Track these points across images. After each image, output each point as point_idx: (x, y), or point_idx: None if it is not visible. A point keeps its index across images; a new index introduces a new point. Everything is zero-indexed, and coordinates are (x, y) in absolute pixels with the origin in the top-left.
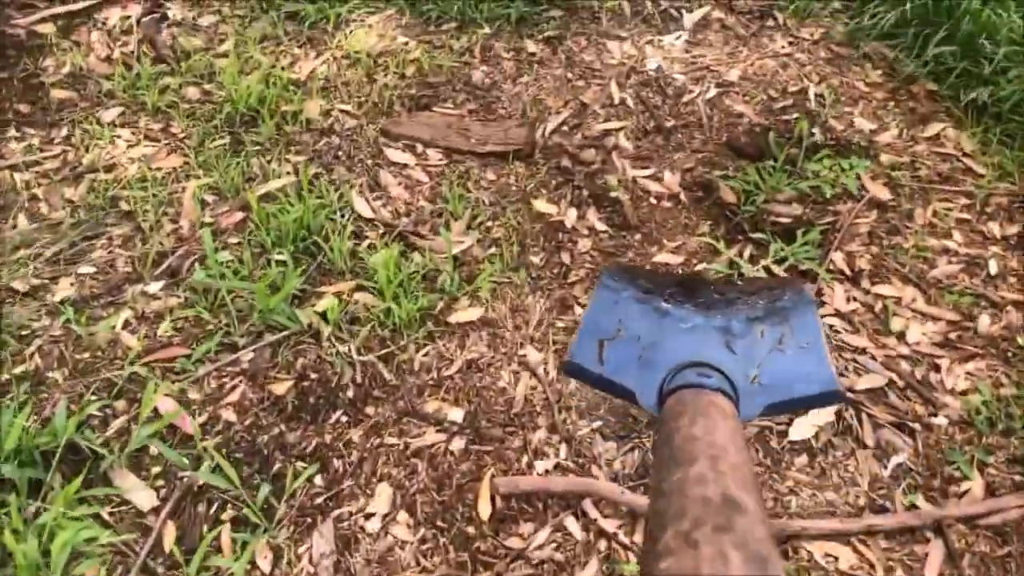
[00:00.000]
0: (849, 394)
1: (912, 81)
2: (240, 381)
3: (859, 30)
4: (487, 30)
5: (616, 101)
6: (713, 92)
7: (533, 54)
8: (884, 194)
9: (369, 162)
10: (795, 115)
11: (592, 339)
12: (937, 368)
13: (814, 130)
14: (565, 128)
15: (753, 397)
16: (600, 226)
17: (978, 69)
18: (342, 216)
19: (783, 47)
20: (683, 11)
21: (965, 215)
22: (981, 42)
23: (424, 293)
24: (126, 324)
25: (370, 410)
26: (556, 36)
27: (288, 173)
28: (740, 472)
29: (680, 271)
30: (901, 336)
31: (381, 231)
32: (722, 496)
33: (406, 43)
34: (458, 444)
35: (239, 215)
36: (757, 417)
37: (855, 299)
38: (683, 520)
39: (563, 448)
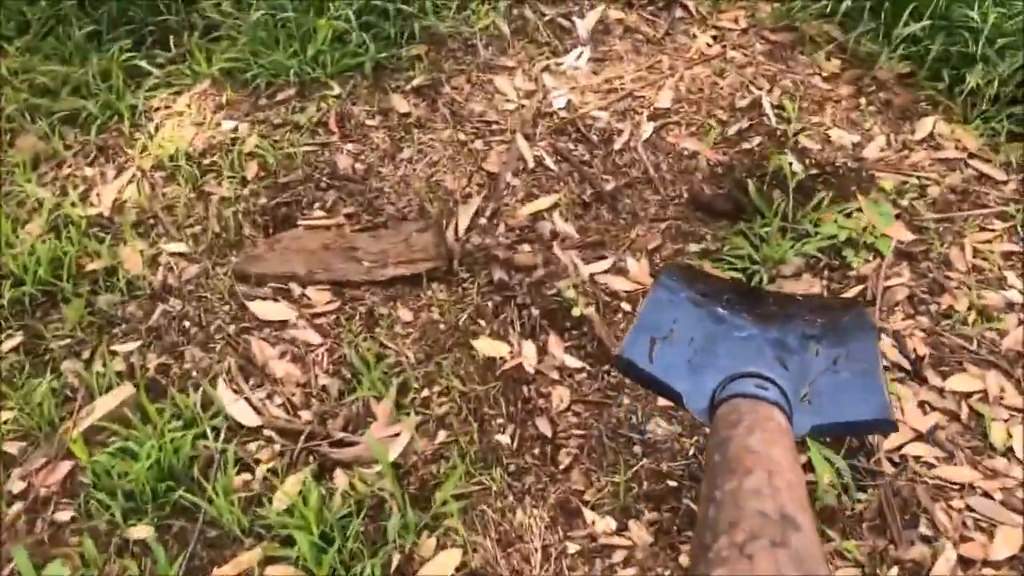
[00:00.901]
0: (984, 571)
1: (876, 65)
2: None
3: (792, 9)
4: (338, 91)
5: (531, 164)
6: (648, 130)
7: (407, 114)
8: (904, 235)
9: (231, 329)
10: (757, 140)
11: (645, 335)
12: None
13: (790, 159)
14: (482, 220)
15: (801, 415)
16: (572, 362)
17: (961, 46)
18: (216, 436)
19: (708, 45)
20: (574, 18)
21: (1011, 245)
22: (964, 13)
23: (367, 545)
24: None
25: None
26: (429, 83)
27: (119, 377)
28: (796, 491)
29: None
30: (1010, 452)
31: (278, 447)
32: (779, 513)
33: (235, 129)
34: None
35: (64, 468)
36: (803, 436)
37: (931, 407)
38: (737, 531)
39: None
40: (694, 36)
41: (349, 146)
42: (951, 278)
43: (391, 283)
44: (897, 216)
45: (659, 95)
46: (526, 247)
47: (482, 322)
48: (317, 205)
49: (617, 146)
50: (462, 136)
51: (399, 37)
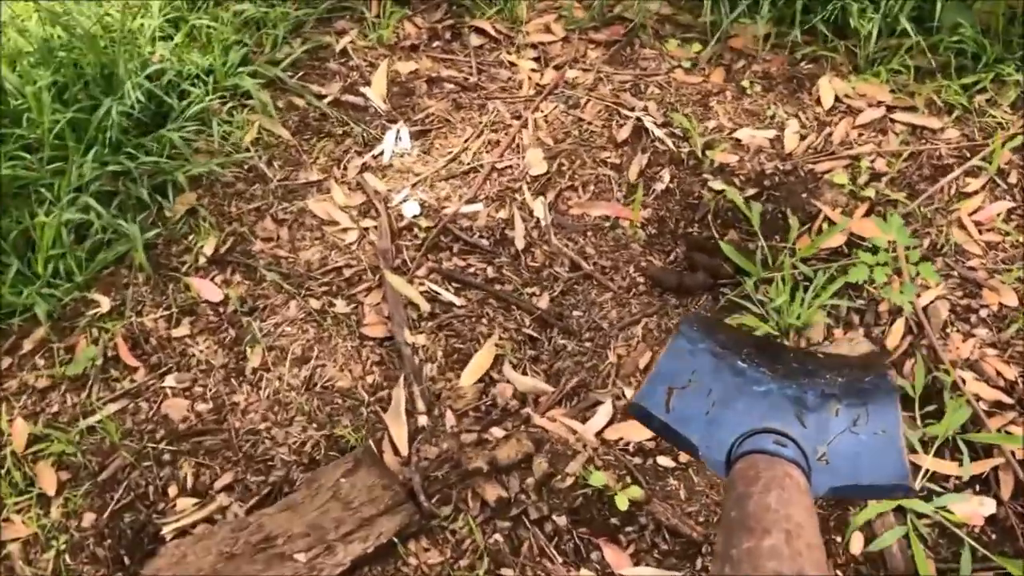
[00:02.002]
0: None
1: (729, 36)
2: None
3: None
4: (108, 304)
5: (425, 307)
6: (542, 210)
7: (222, 302)
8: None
9: None
10: (668, 176)
11: (662, 385)
12: None
13: (710, 181)
14: (421, 420)
15: (819, 476)
16: (649, 572)
17: None
18: None
19: (535, 71)
20: (361, 90)
21: (1004, 202)
22: None
23: None
24: None
25: None
26: (228, 246)
27: None
28: (815, 553)
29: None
30: None
31: None
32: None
33: None
34: None
35: None
36: (820, 498)
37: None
38: None
39: None
40: (512, 64)
41: (169, 381)
42: (976, 268)
43: (353, 571)
44: (869, 210)
45: (525, 158)
46: (497, 431)
47: (508, 573)
48: (173, 493)
49: (520, 243)
50: (314, 303)
51: (158, 211)
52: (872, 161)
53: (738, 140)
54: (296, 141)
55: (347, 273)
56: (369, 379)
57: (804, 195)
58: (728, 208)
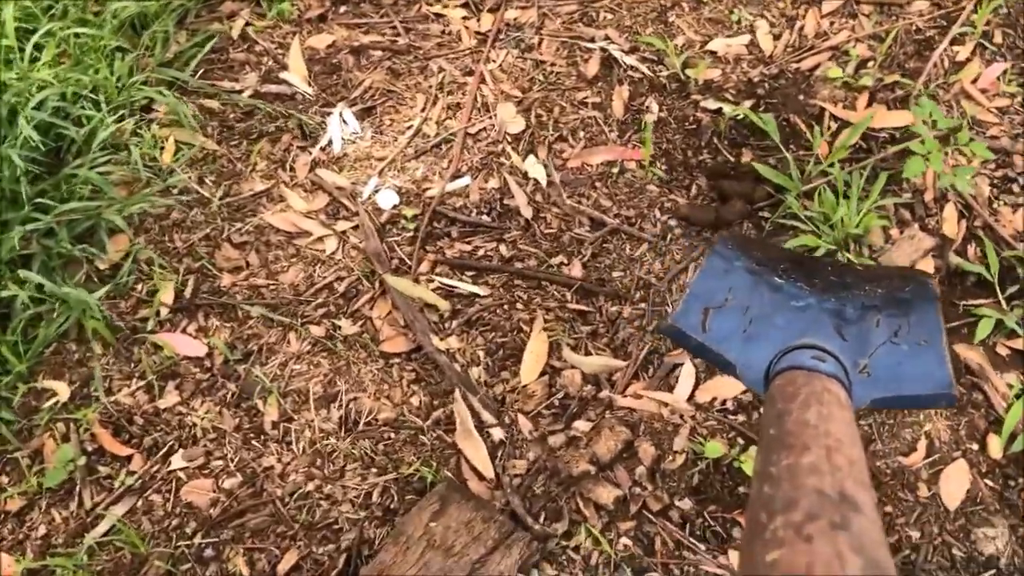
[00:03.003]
0: None
1: None
2: None
3: None
4: (67, 391)
5: (446, 309)
6: (540, 170)
7: (204, 356)
8: (908, 117)
9: None
10: (653, 103)
11: (698, 305)
12: None
13: (702, 101)
14: (498, 434)
15: (861, 388)
16: None
17: None
18: None
19: (465, 17)
20: (263, 58)
21: (999, 64)
22: None
23: None
24: None
25: None
26: (186, 291)
27: None
28: (856, 468)
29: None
30: None
31: None
32: (839, 492)
33: None
34: None
35: None
36: (862, 409)
37: None
38: (794, 511)
39: None
40: (439, 16)
41: (177, 462)
42: (998, 137)
43: None
44: (870, 99)
45: (499, 116)
46: (581, 424)
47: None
48: None
49: (526, 212)
50: (316, 330)
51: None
52: (853, 47)
53: (714, 53)
54: (225, 149)
55: (341, 287)
56: (414, 401)
57: (800, 97)
58: (731, 127)
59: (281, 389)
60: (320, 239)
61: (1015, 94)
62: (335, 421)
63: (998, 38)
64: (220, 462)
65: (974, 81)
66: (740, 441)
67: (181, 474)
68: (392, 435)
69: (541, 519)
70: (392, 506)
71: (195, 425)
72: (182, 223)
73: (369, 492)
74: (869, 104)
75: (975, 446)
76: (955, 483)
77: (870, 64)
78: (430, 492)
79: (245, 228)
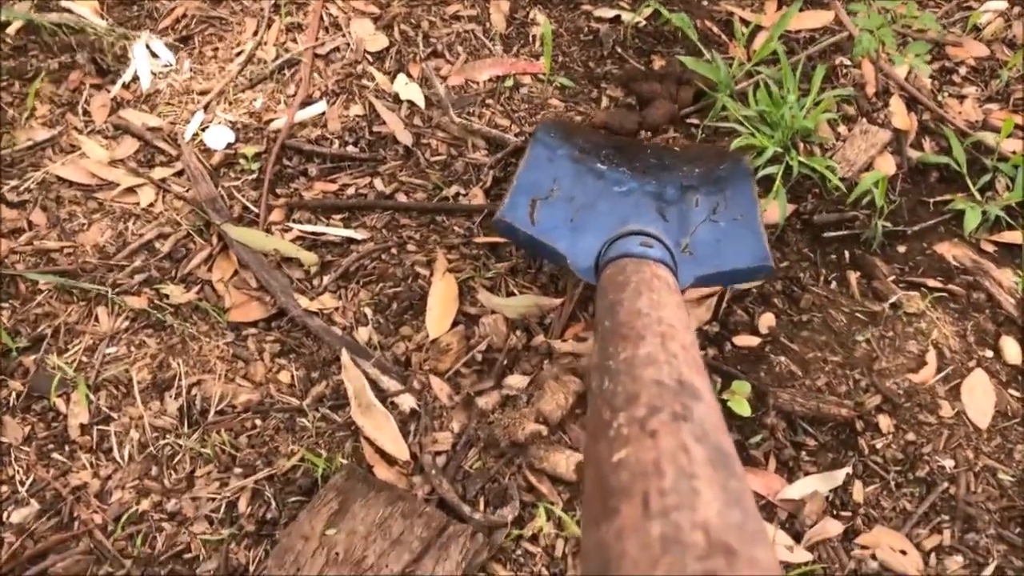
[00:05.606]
0: None
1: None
2: None
3: None
4: None
5: (312, 263)
6: (414, 90)
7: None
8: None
9: None
10: (539, 17)
11: (525, 197)
12: None
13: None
14: (394, 388)
15: (684, 266)
16: None
17: None
18: None
19: None
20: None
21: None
22: None
23: None
24: None
25: None
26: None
27: None
28: (690, 353)
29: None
30: None
31: None
32: (677, 380)
33: None
34: None
35: None
36: (686, 287)
37: None
38: (636, 405)
39: None
40: None
41: None
42: (925, 29)
43: None
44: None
45: (353, 34)
46: (516, 380)
47: None
48: None
49: (404, 137)
50: (134, 301)
51: None
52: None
53: None
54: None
55: (164, 247)
56: (283, 378)
57: (705, 2)
58: (635, 35)
59: (91, 381)
60: (131, 190)
61: None
62: (172, 414)
63: None
64: (3, 488)
65: None
66: (716, 379)
67: None
68: (258, 422)
69: (482, 505)
70: (269, 515)
71: None
72: None
73: (232, 501)
74: (779, 7)
75: (989, 352)
76: (981, 396)
77: None
78: (323, 488)
79: (25, 186)
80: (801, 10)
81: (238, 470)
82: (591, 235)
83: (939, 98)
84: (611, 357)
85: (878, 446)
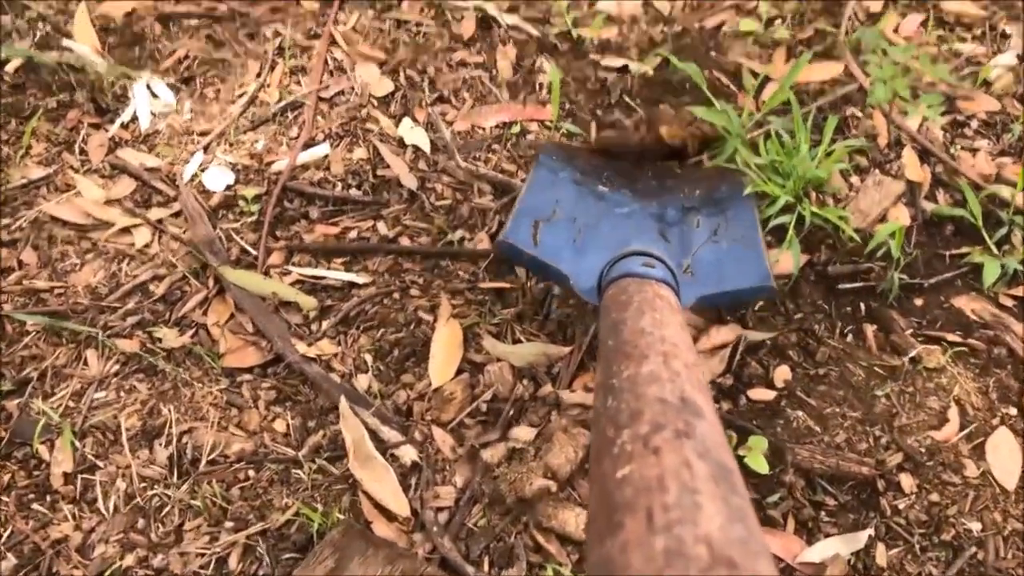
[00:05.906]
0: None
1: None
2: None
3: None
4: None
5: (311, 308)
6: (421, 135)
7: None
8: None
9: None
10: (545, 65)
11: (528, 219)
12: None
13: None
14: (394, 439)
15: (686, 287)
16: None
17: None
18: None
19: None
20: (39, 24)
21: (933, 26)
22: None
23: None
24: None
25: None
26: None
27: None
28: (693, 372)
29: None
30: None
31: None
32: (680, 398)
33: None
34: None
35: None
36: (688, 308)
37: None
38: (640, 423)
39: None
40: None
41: None
42: (935, 83)
43: None
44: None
45: (358, 78)
46: (522, 432)
47: None
48: None
49: (409, 181)
50: (125, 344)
51: None
52: (756, 6)
53: (607, 15)
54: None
55: (159, 289)
56: (278, 427)
57: (712, 53)
58: (643, 85)
59: (77, 427)
60: (126, 231)
61: (940, 41)
62: (161, 463)
63: None
64: None
65: (895, 30)
66: (731, 433)
67: None
68: (251, 473)
69: (486, 565)
70: (261, 573)
71: None
72: None
73: (223, 557)
74: (788, 59)
75: (1012, 410)
76: (1006, 455)
77: (777, 22)
78: (319, 545)
79: (17, 225)
80: (810, 61)
81: (229, 524)
82: (593, 256)
83: (951, 151)
84: (615, 375)
85: (901, 507)
